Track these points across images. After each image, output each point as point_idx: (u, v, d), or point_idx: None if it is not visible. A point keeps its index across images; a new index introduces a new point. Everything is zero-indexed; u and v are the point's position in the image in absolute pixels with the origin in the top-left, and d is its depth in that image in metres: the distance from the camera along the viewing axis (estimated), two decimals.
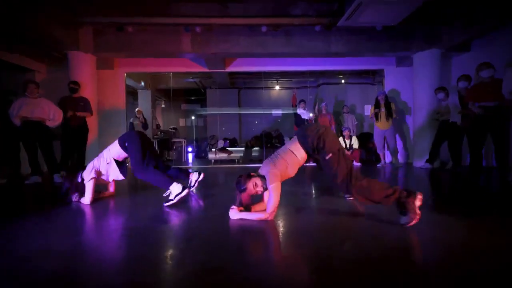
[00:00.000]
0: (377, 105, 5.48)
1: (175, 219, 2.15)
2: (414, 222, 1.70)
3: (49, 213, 2.32)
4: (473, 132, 3.68)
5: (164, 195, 2.47)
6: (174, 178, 2.69)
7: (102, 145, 5.62)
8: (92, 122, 5.03)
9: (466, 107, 3.97)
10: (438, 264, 1.30)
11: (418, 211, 1.71)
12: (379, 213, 2.03)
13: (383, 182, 1.87)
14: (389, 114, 5.35)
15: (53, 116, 4.10)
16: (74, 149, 4.71)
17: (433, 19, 4.81)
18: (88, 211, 2.38)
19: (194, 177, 3.05)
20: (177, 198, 2.39)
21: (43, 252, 1.47)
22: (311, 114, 7.13)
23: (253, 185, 1.93)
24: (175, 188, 2.41)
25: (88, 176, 2.59)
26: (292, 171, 2.02)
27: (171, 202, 2.40)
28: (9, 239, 1.67)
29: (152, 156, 2.68)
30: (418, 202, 1.71)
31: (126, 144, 2.57)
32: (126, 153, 2.62)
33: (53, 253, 1.47)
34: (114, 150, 2.65)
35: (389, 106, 5.37)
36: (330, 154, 1.86)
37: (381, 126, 5.50)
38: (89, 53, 5.10)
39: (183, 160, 8.49)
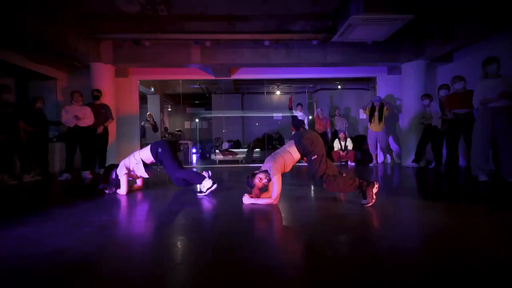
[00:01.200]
0: (372, 109, 6.05)
1: (201, 207, 2.70)
2: (370, 204, 2.37)
3: (97, 201, 2.87)
4: (449, 135, 4.24)
5: (198, 188, 3.10)
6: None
7: (120, 147, 6.24)
8: (111, 126, 5.59)
9: (445, 113, 4.54)
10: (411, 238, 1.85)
11: (374, 196, 2.38)
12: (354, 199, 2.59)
13: (347, 176, 2.50)
14: (380, 118, 5.92)
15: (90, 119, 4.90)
16: (97, 151, 5.27)
17: (418, 34, 5.36)
18: (124, 200, 2.93)
19: (207, 184, 3.05)
20: (208, 191, 3.00)
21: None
22: (310, 117, 7.68)
23: (259, 180, 2.49)
24: (207, 183, 2.97)
25: (121, 172, 3.14)
26: (288, 167, 2.60)
27: (203, 194, 2.98)
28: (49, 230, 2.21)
29: (178, 159, 3.26)
30: (375, 190, 2.39)
31: (159, 151, 3.11)
32: (156, 159, 3.16)
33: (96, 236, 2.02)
34: (145, 154, 3.19)
35: (381, 111, 5.94)
36: (315, 156, 2.45)
37: (374, 129, 6.08)
38: (109, 64, 5.66)
39: (189, 161, 9.02)
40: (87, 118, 4.81)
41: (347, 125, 7.38)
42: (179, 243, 1.70)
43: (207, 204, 2.72)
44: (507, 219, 2.05)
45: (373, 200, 2.37)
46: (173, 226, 2.07)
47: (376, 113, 5.97)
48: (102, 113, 5.20)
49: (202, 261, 1.41)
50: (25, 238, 1.76)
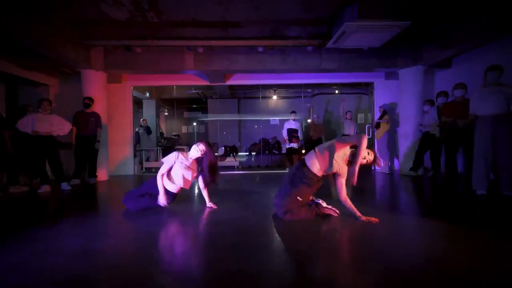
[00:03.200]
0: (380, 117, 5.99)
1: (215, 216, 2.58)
2: (333, 213, 2.61)
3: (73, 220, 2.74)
4: (448, 144, 4.11)
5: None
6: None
7: (111, 154, 6.12)
8: (102, 133, 5.47)
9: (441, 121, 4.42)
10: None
11: (329, 207, 2.62)
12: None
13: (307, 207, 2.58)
14: (378, 125, 5.82)
15: (61, 128, 4.56)
16: (86, 159, 5.16)
17: (416, 39, 5.24)
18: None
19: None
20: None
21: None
22: (306, 121, 7.55)
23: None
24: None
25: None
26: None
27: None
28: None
29: None
30: (324, 204, 2.62)
31: None
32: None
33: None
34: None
35: (381, 118, 5.85)
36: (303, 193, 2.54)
37: (376, 136, 6.00)
38: (100, 71, 5.55)
39: None
40: (54, 126, 4.48)
41: (358, 130, 7.21)
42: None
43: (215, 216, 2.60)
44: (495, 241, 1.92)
45: (333, 209, 2.62)
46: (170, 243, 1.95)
47: (376, 120, 5.87)
48: (91, 121, 5.09)
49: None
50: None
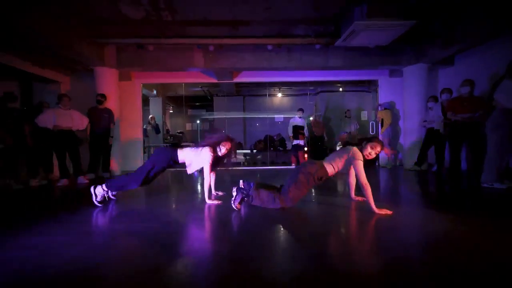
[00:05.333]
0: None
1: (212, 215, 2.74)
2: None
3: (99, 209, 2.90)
4: (452, 139, 4.27)
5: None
6: None
7: (123, 150, 6.28)
8: (115, 129, 5.62)
9: (446, 117, 4.57)
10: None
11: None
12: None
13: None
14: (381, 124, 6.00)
15: (80, 122, 4.71)
16: (101, 154, 5.31)
17: (420, 37, 5.39)
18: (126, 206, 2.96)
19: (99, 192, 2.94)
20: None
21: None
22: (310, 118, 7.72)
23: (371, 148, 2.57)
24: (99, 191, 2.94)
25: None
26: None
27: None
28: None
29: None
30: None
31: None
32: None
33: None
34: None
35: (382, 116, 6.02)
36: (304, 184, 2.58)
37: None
38: (113, 68, 5.69)
39: None
40: (75, 121, 4.61)
41: (358, 127, 7.40)
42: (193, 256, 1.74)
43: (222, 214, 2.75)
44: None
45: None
46: (185, 237, 2.11)
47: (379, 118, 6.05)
48: (105, 117, 5.24)
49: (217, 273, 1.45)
50: (39, 248, 1.79)
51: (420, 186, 4.09)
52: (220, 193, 3.31)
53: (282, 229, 2.10)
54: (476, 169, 3.92)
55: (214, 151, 2.92)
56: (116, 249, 1.79)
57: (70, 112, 4.61)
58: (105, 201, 2.96)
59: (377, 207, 2.44)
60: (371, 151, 2.57)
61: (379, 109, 6.17)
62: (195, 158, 2.91)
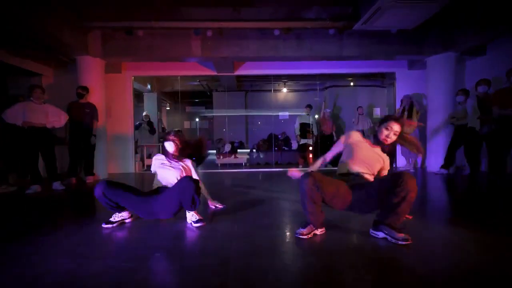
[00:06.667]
0: (402, 110, 5.42)
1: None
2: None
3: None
4: (494, 139, 3.59)
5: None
6: None
7: (111, 150, 5.61)
8: (100, 127, 4.94)
9: (486, 112, 3.88)
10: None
11: None
12: None
13: None
14: (409, 118, 5.28)
15: (57, 119, 3.99)
16: (82, 155, 4.64)
17: (447, 24, 4.71)
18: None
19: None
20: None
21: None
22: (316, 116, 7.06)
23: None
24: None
25: None
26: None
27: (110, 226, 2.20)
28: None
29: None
30: None
31: None
32: None
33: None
34: None
35: (411, 112, 5.30)
36: None
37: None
38: (97, 58, 5.01)
39: None
40: (50, 117, 3.91)
41: (371, 125, 6.76)
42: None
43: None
44: None
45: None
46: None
47: (406, 113, 5.31)
48: (86, 113, 4.56)
49: None
50: None
51: (452, 192, 3.42)
52: (219, 206, 2.71)
53: None
54: None
55: (167, 154, 2.45)
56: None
57: (44, 107, 3.91)
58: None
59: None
60: (388, 133, 1.99)
61: (405, 103, 5.42)
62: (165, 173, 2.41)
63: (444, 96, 5.09)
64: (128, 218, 2.31)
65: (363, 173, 2.00)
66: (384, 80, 7.74)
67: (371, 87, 8.12)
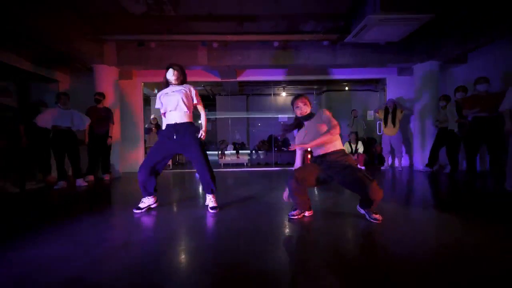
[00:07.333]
0: (386, 112, 5.89)
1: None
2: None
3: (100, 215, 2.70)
4: (468, 140, 4.06)
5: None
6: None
7: (124, 151, 6.08)
8: (115, 129, 5.41)
9: (462, 116, 4.36)
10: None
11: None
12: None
13: None
14: (393, 121, 5.77)
15: (81, 123, 4.48)
16: (100, 155, 5.11)
17: (432, 33, 5.19)
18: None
19: (147, 201, 2.75)
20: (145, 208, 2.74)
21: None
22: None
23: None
24: (148, 200, 2.76)
25: None
26: None
27: (139, 211, 2.66)
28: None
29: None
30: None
31: None
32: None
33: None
34: None
35: (395, 114, 5.79)
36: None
37: (388, 132, 5.94)
38: (112, 66, 5.49)
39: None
40: (75, 121, 4.40)
41: (365, 127, 7.24)
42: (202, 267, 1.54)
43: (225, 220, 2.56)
44: None
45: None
46: (192, 247, 1.91)
47: (389, 116, 5.82)
48: (103, 117, 5.03)
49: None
50: (32, 264, 1.59)
51: (434, 188, 3.89)
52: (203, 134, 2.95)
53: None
54: (497, 171, 3.73)
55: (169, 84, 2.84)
56: (120, 263, 1.58)
57: (70, 112, 4.41)
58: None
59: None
60: (299, 109, 2.53)
61: (389, 106, 5.92)
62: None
63: (429, 101, 5.57)
64: (154, 203, 2.78)
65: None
66: (377, 85, 8.22)
67: (365, 91, 8.61)
